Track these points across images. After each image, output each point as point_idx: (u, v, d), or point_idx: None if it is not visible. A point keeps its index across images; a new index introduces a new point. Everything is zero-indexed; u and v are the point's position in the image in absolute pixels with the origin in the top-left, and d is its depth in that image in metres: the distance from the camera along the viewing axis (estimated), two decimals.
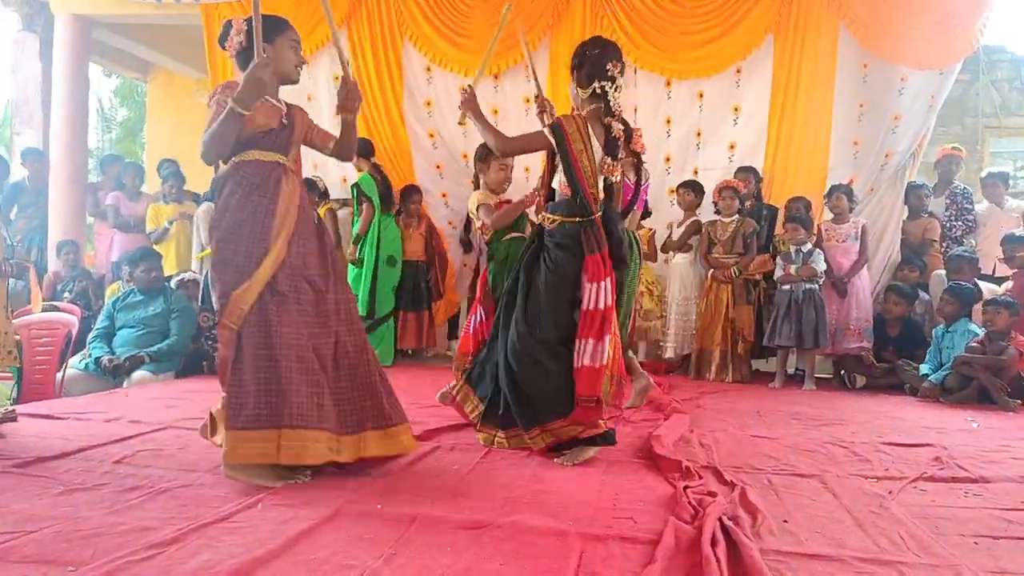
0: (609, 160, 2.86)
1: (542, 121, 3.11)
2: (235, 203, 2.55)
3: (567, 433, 2.82)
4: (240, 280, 2.48)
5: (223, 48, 2.69)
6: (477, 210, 3.97)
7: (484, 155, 3.95)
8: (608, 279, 2.81)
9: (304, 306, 2.56)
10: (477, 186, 4.10)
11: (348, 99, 2.71)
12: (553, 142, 2.87)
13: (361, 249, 5.70)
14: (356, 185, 5.73)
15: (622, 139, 2.90)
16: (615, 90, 2.90)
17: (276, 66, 2.59)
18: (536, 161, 6.05)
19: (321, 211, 5.77)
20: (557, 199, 2.98)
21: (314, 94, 6.46)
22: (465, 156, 6.21)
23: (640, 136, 3.38)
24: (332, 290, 2.67)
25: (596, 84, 2.88)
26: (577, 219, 2.86)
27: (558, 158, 2.91)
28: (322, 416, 2.47)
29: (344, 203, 6.28)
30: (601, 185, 2.91)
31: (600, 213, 2.88)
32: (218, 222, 2.57)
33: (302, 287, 2.58)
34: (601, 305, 2.79)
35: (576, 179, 2.84)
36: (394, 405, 2.71)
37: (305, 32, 6.26)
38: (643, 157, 3.58)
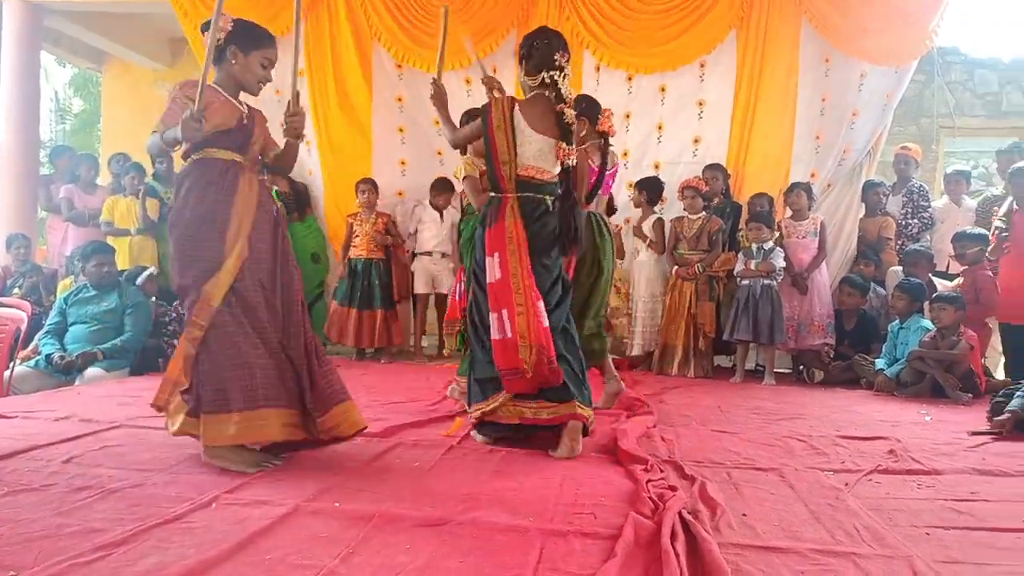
0: (563, 145, 2.93)
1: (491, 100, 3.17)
2: (193, 199, 2.60)
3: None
4: (208, 275, 2.55)
5: (203, 34, 2.74)
6: (463, 180, 4.01)
7: (465, 122, 3.91)
8: (499, 253, 2.89)
9: (257, 303, 2.63)
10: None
11: (296, 126, 2.83)
12: (481, 122, 2.99)
13: None
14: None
15: (575, 124, 2.97)
16: (563, 79, 2.95)
17: (241, 75, 2.73)
18: None
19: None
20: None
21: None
22: (440, 152, 6.16)
23: (608, 118, 3.43)
24: (279, 288, 2.73)
25: (545, 74, 2.95)
26: (491, 194, 3.04)
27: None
28: (280, 395, 2.61)
29: None
30: (557, 170, 3.00)
31: (559, 195, 2.99)
32: (177, 219, 2.63)
33: (255, 285, 2.64)
34: (491, 279, 2.89)
35: (490, 155, 2.97)
36: (333, 385, 2.77)
37: (265, 19, 6.16)
38: (611, 141, 3.64)
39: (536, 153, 2.94)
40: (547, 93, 2.96)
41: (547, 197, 2.99)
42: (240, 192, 2.65)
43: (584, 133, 3.65)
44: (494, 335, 2.88)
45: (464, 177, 4.00)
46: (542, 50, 2.97)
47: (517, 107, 2.94)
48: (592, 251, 3.77)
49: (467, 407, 3.15)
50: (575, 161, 2.98)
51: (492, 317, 2.89)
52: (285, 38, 6.12)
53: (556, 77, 2.93)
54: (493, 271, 2.90)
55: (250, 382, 2.55)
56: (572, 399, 2.89)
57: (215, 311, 2.55)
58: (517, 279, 2.87)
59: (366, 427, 2.84)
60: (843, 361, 5.30)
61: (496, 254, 2.90)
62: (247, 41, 2.74)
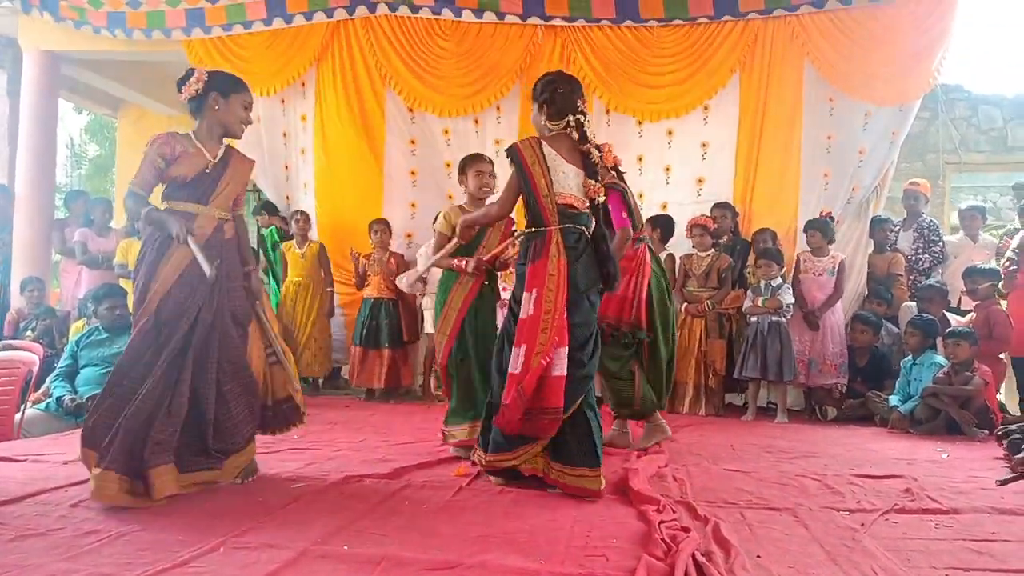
0: (592, 182, 2.95)
1: None
2: (148, 245, 2.85)
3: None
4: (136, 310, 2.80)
5: (179, 91, 2.96)
6: (435, 234, 3.93)
7: (463, 166, 3.94)
8: (534, 291, 2.87)
9: (178, 341, 2.76)
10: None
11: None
12: (511, 164, 2.98)
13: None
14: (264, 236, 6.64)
15: (600, 163, 3.01)
16: (587, 122, 3.01)
17: (224, 119, 2.97)
18: None
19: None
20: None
21: (280, 131, 6.49)
22: (451, 196, 6.23)
23: (610, 151, 3.46)
24: (204, 341, 2.82)
25: (570, 118, 2.99)
26: (531, 229, 2.98)
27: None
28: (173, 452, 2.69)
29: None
30: (588, 205, 2.99)
31: (592, 231, 2.98)
32: (140, 257, 2.89)
33: (180, 323, 2.77)
34: (524, 315, 2.88)
35: (531, 193, 2.94)
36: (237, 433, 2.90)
37: (275, 69, 6.31)
38: (621, 170, 3.68)
39: (571, 183, 2.96)
40: (572, 134, 2.99)
41: (584, 228, 2.99)
42: (171, 252, 2.81)
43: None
44: (511, 368, 2.85)
45: (436, 231, 3.92)
46: (566, 96, 3.01)
47: (544, 142, 2.97)
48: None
49: (482, 451, 3.03)
50: (604, 198, 3.01)
51: (514, 351, 2.87)
52: (292, 86, 6.37)
53: (581, 120, 2.98)
54: (527, 307, 2.87)
55: (135, 441, 2.63)
56: (582, 467, 2.84)
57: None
58: (549, 317, 2.83)
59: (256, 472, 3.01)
60: (855, 398, 5.24)
61: (534, 290, 2.87)
62: (226, 87, 2.98)
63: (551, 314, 2.83)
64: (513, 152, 2.97)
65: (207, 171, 2.91)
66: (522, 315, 2.88)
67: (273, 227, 6.61)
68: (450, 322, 3.59)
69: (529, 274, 2.91)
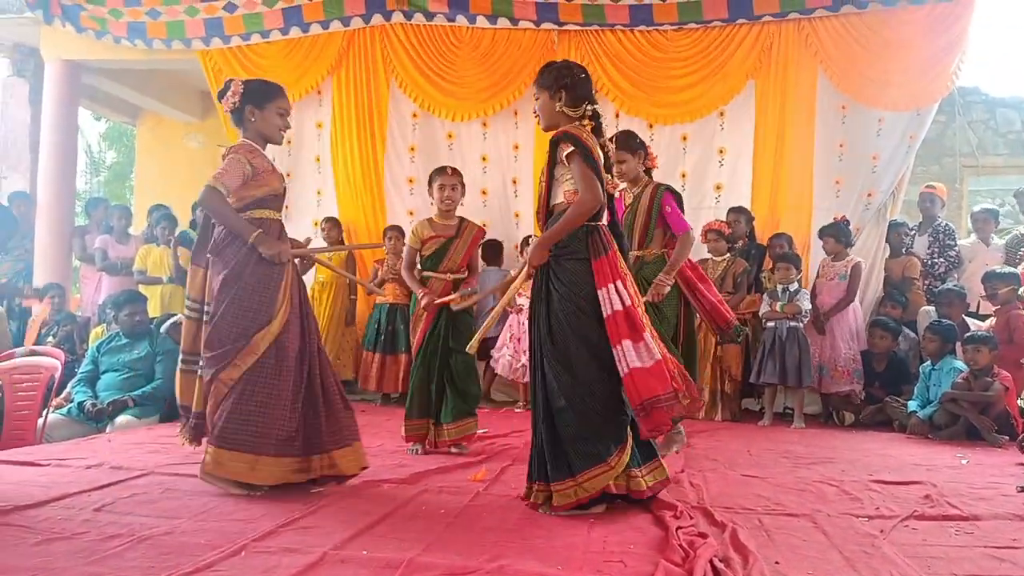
0: (609, 176, 2.92)
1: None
2: (255, 259, 2.87)
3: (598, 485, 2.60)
4: (260, 327, 2.85)
5: (219, 102, 3.04)
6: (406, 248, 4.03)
7: (430, 179, 4.00)
8: (619, 281, 2.67)
9: (292, 353, 2.92)
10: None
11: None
12: (571, 148, 2.70)
13: None
14: None
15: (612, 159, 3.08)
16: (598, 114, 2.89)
17: (263, 129, 3.01)
18: (494, 184, 6.24)
19: None
20: (556, 214, 2.82)
21: (296, 140, 6.53)
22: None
23: (653, 156, 3.76)
24: (307, 336, 3.01)
25: (587, 106, 2.83)
26: (589, 223, 2.74)
27: (561, 169, 2.79)
28: (291, 444, 2.86)
29: None
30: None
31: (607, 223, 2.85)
32: (238, 273, 2.87)
33: (295, 336, 2.95)
34: (620, 306, 2.63)
35: (599, 173, 2.73)
36: (350, 426, 3.04)
37: (293, 79, 6.37)
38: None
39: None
40: (587, 125, 2.82)
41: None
42: (287, 266, 2.98)
43: (641, 169, 3.91)
44: (632, 364, 2.58)
45: (407, 246, 4.00)
46: (586, 83, 2.85)
47: (584, 133, 2.79)
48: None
49: (571, 474, 2.62)
50: (618, 193, 3.08)
51: (626, 345, 2.59)
52: (307, 96, 6.42)
53: (597, 110, 2.87)
54: (613, 302, 2.63)
55: (267, 430, 2.81)
56: (657, 458, 2.79)
57: (257, 359, 2.83)
58: (640, 307, 2.72)
59: (367, 467, 3.07)
60: (873, 404, 5.21)
61: (617, 282, 2.66)
62: (259, 97, 3.00)
63: (639, 304, 2.72)
64: (576, 140, 2.71)
65: (282, 187, 3.10)
66: (607, 312, 2.63)
67: None
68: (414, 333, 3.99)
69: (598, 269, 2.68)
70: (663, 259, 3.90)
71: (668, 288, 3.80)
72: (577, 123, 2.81)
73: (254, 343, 2.84)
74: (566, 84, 2.81)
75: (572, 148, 2.69)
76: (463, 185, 3.99)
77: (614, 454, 2.61)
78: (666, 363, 2.64)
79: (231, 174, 2.84)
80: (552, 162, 2.81)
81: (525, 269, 2.87)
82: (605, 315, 2.64)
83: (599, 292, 2.66)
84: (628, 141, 3.88)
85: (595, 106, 2.86)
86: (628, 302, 2.65)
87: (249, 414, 2.81)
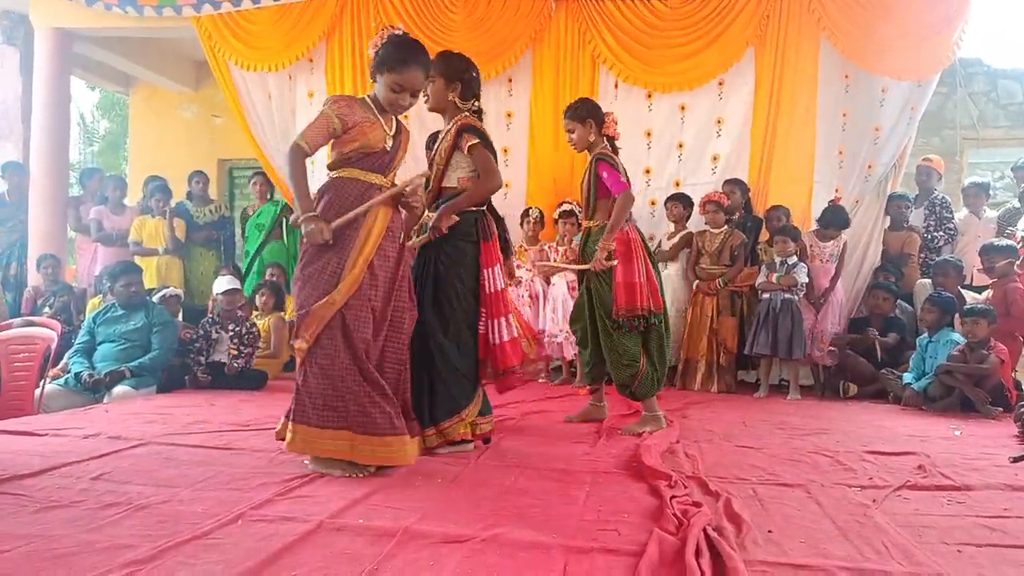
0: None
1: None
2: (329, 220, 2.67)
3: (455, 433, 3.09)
4: (322, 295, 2.64)
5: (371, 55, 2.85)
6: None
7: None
8: (499, 264, 3.18)
9: (362, 327, 2.70)
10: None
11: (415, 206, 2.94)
12: (475, 140, 3.11)
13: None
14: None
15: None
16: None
17: (379, 94, 2.80)
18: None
19: None
20: (446, 196, 3.19)
21: (290, 108, 6.44)
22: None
23: (614, 121, 3.85)
24: (388, 317, 2.80)
25: (475, 102, 3.23)
26: (480, 209, 3.18)
27: (458, 156, 3.15)
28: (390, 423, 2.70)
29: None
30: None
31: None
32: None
33: (366, 310, 2.71)
34: (499, 287, 3.16)
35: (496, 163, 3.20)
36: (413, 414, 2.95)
37: (283, 45, 6.25)
38: (617, 144, 3.93)
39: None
40: (477, 118, 3.21)
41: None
42: (369, 217, 2.72)
43: (592, 139, 3.76)
44: (503, 337, 3.14)
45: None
46: (478, 81, 3.25)
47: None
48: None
49: (459, 413, 3.11)
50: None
51: (500, 322, 3.15)
52: (300, 62, 6.30)
53: (481, 107, 3.28)
54: (496, 281, 3.16)
55: (342, 404, 2.66)
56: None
57: (322, 330, 2.65)
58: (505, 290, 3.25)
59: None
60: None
61: (497, 265, 3.18)
62: (381, 62, 2.77)
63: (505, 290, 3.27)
64: (479, 133, 3.13)
65: (387, 148, 2.81)
66: (490, 289, 3.14)
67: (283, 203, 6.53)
68: None
69: (485, 251, 3.16)
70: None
71: (607, 254, 3.60)
72: (467, 114, 3.17)
73: (313, 313, 2.64)
74: (463, 78, 3.19)
75: (476, 140, 3.10)
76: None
77: (467, 407, 3.12)
78: (517, 341, 3.23)
79: (315, 129, 2.69)
80: (452, 149, 3.15)
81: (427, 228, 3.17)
82: (488, 292, 3.13)
83: (484, 271, 3.13)
84: (576, 110, 3.76)
85: (479, 103, 3.26)
86: (502, 285, 3.19)
87: (324, 389, 2.65)
